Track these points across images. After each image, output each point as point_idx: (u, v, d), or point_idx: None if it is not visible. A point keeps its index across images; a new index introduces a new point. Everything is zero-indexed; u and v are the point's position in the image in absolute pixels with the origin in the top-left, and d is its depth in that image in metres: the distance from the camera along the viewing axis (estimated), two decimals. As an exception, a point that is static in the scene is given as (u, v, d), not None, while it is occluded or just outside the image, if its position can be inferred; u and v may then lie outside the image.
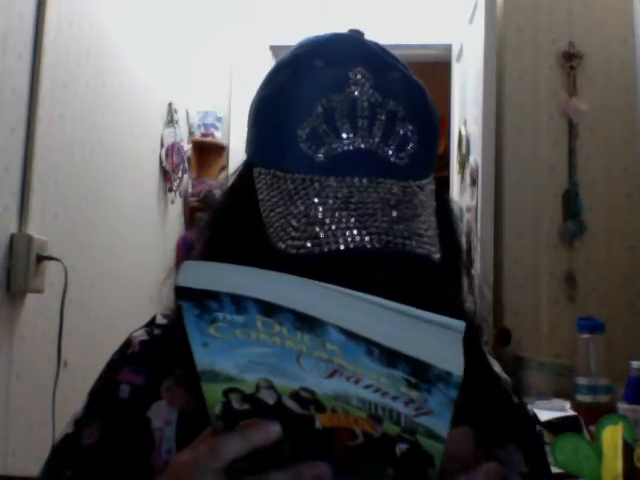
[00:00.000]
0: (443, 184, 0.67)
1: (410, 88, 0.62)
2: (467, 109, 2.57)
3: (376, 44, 0.64)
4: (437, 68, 3.18)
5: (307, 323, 0.40)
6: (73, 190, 1.80)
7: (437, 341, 0.39)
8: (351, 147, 0.57)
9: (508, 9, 2.34)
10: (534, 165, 2.26)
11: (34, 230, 1.54)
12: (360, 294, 0.41)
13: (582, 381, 1.78)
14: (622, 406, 1.55)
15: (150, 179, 2.51)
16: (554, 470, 1.23)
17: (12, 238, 1.49)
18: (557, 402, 1.70)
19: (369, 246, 0.53)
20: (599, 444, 1.21)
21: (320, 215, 0.55)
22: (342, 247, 0.53)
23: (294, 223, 0.56)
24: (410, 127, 0.59)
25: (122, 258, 2.14)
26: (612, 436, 1.18)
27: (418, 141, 0.59)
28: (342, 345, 0.40)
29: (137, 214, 2.34)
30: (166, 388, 0.64)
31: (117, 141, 2.14)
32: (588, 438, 1.39)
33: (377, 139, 0.58)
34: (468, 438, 0.47)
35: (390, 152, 0.58)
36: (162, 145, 2.59)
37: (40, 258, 1.53)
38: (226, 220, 0.65)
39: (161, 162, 2.58)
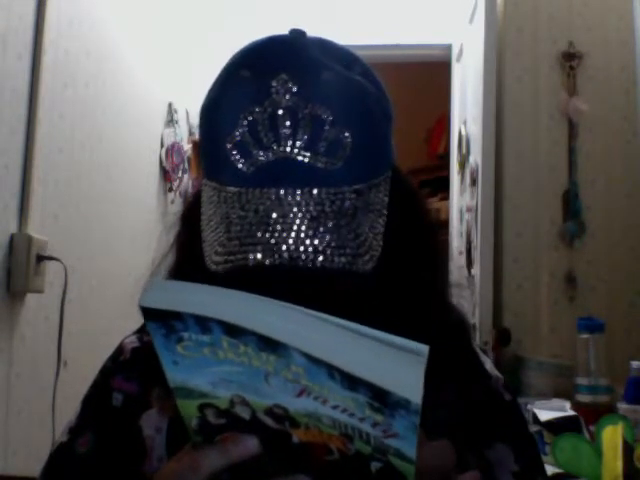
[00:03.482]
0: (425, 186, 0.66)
1: (343, 89, 0.59)
2: (467, 109, 2.57)
3: (317, 42, 0.61)
4: (437, 68, 3.18)
5: (270, 345, 0.40)
6: (73, 190, 1.80)
7: (397, 367, 0.38)
8: (275, 157, 0.56)
9: (508, 9, 2.34)
10: (534, 165, 2.26)
11: (34, 230, 1.54)
12: (323, 315, 0.40)
13: (582, 381, 1.78)
14: (622, 406, 1.55)
15: (150, 179, 2.51)
16: (554, 470, 1.24)
17: (12, 238, 1.49)
18: (557, 402, 1.70)
19: (277, 262, 0.53)
20: (599, 444, 1.22)
21: (239, 230, 0.55)
22: (250, 263, 0.53)
23: (220, 238, 0.56)
24: (342, 130, 0.57)
25: (122, 258, 2.14)
26: (612, 436, 1.18)
27: (354, 143, 0.57)
28: (305, 367, 0.40)
29: (137, 214, 2.34)
30: (156, 396, 0.64)
31: (117, 141, 2.14)
32: (588, 438, 1.39)
33: (303, 146, 0.56)
34: (446, 451, 0.47)
35: (318, 158, 0.56)
36: (162, 145, 2.59)
37: (40, 258, 1.53)
38: (180, 234, 0.66)
39: (161, 162, 2.58)
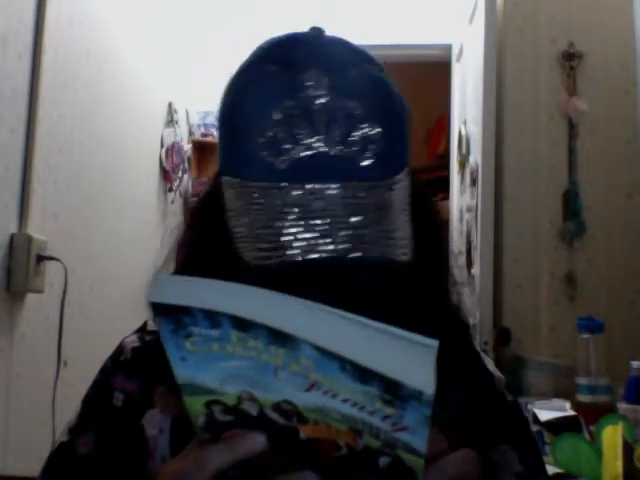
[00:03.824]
0: (436, 184, 0.66)
1: (371, 85, 0.60)
2: (467, 109, 2.57)
3: (337, 40, 0.62)
4: (437, 68, 3.18)
5: (280, 338, 0.40)
6: (73, 190, 1.80)
7: (408, 358, 0.38)
8: (311, 152, 0.56)
9: (508, 9, 2.34)
10: (534, 165, 2.26)
11: (34, 230, 1.54)
12: (333, 309, 0.40)
13: (582, 381, 1.78)
14: (622, 406, 1.55)
15: (150, 179, 2.51)
16: (554, 470, 1.24)
17: (12, 238, 1.49)
18: (557, 402, 1.70)
19: (326, 255, 0.53)
20: (599, 444, 1.22)
21: (281, 225, 0.55)
22: (300, 258, 0.53)
23: (258, 233, 0.56)
24: (373, 125, 0.58)
25: (122, 258, 2.14)
26: (612, 436, 1.18)
27: (383, 139, 0.58)
28: (316, 360, 0.40)
29: (137, 214, 2.34)
30: (159, 396, 0.64)
31: (117, 141, 2.14)
32: (588, 438, 1.39)
33: (337, 141, 0.57)
34: (471, 460, 0.47)
35: (353, 153, 0.57)
36: (162, 145, 2.59)
37: (40, 258, 1.53)
38: (196, 230, 0.66)
39: (161, 162, 2.58)
